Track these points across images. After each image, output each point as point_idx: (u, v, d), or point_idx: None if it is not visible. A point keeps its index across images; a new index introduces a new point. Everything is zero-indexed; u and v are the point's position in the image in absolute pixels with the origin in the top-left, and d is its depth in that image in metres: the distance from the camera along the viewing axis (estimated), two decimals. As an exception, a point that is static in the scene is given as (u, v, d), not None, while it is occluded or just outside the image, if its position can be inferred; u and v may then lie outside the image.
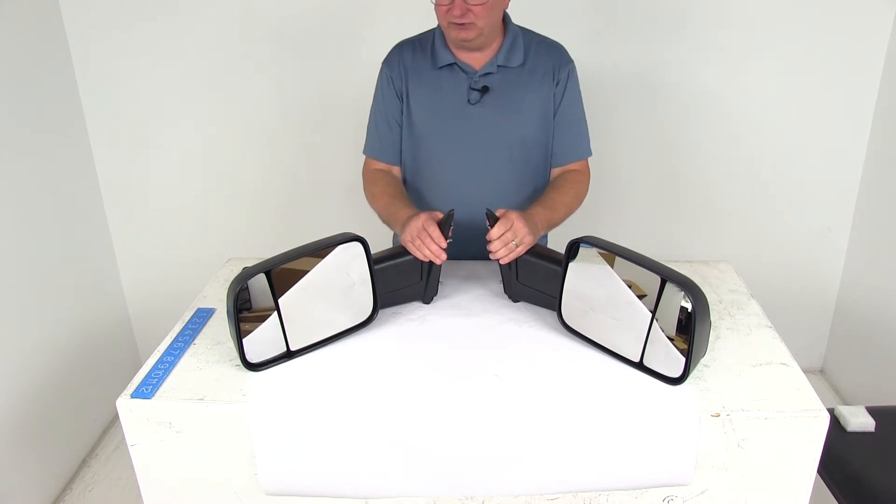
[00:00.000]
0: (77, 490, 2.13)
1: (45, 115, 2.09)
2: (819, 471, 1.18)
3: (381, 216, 1.54)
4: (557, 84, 1.53)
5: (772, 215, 2.38)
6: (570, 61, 1.55)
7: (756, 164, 2.31)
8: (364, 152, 1.63)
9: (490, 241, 1.32)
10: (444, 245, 1.31)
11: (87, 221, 2.33)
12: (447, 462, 1.13)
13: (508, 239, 1.30)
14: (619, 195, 2.38)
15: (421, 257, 1.32)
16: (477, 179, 1.56)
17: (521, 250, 1.32)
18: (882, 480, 1.45)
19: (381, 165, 1.62)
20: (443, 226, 1.35)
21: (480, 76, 1.51)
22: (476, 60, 1.51)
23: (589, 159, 1.61)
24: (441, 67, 1.52)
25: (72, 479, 2.17)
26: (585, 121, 1.60)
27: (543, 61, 1.53)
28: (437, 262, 1.32)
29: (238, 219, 2.44)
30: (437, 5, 1.42)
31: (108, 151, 2.32)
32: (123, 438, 1.18)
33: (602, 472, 1.13)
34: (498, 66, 1.51)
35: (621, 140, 2.30)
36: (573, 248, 1.23)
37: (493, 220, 1.36)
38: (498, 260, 1.33)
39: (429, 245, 1.30)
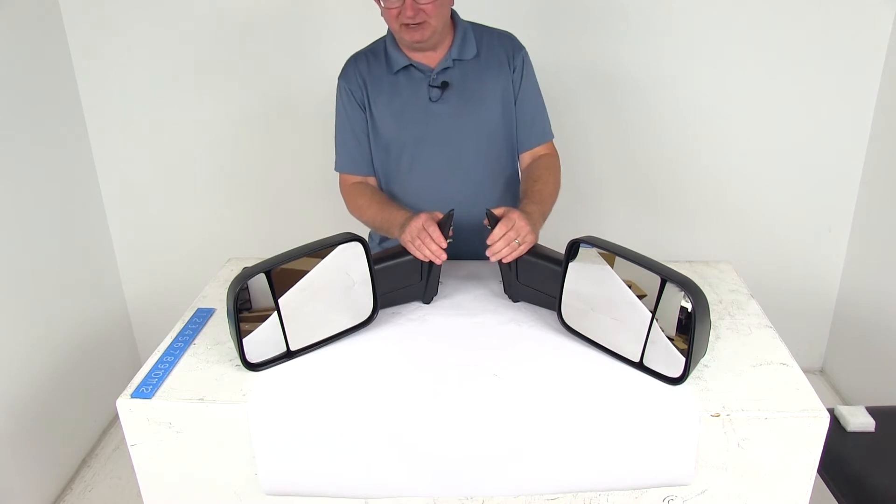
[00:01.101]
0: (77, 490, 2.13)
1: (45, 115, 2.09)
2: (819, 471, 1.18)
3: (373, 225, 1.55)
4: (514, 70, 1.55)
5: (772, 215, 2.38)
6: (521, 47, 1.58)
7: (756, 163, 2.31)
8: (336, 169, 1.63)
9: (492, 243, 1.32)
10: (445, 245, 1.31)
11: (87, 221, 2.33)
12: (447, 462, 1.13)
13: (512, 238, 1.30)
14: (619, 195, 2.38)
15: (421, 257, 1.32)
16: (450, 177, 1.57)
17: (523, 249, 1.32)
18: (882, 480, 1.44)
19: (357, 178, 1.62)
20: (442, 226, 1.35)
21: (438, 73, 1.52)
22: (431, 59, 1.53)
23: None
24: (397, 72, 1.53)
25: (72, 479, 2.17)
26: (544, 104, 1.62)
27: (497, 50, 1.55)
28: (438, 262, 1.32)
29: (238, 219, 2.43)
30: (386, 9, 1.42)
31: (108, 151, 2.32)
32: (123, 438, 1.18)
33: (602, 472, 1.13)
34: (453, 59, 1.52)
35: (621, 140, 2.30)
36: (573, 248, 1.23)
37: (493, 219, 1.36)
38: (499, 260, 1.33)
39: (429, 245, 1.31)
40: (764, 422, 1.09)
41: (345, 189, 1.63)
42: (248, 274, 1.17)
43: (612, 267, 1.22)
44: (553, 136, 1.64)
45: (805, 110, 2.24)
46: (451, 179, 1.57)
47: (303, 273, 1.23)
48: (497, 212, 1.36)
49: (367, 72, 1.55)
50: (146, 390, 1.15)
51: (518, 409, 1.11)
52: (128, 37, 2.19)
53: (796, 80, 2.20)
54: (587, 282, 1.24)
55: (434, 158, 1.56)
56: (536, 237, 1.35)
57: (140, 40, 2.19)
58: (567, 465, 1.12)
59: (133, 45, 2.20)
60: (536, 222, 1.38)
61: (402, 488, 1.15)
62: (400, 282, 1.35)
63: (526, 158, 1.62)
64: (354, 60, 1.59)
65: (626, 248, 1.19)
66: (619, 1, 2.13)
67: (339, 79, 1.59)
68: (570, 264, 1.24)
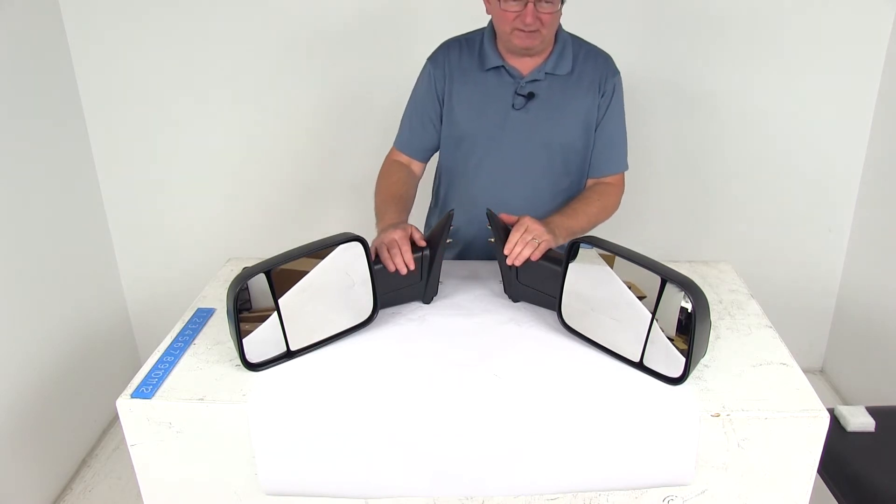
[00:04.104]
0: (77, 490, 2.13)
1: (45, 115, 2.09)
2: (819, 471, 1.18)
3: (374, 208, 1.55)
4: (603, 95, 1.53)
5: (772, 215, 2.38)
6: (616, 72, 1.54)
7: (756, 164, 2.31)
8: (394, 144, 1.65)
9: (509, 251, 1.31)
10: (413, 267, 1.31)
11: (87, 221, 2.33)
12: (447, 462, 1.13)
13: (528, 238, 1.30)
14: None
15: (388, 265, 1.32)
16: (514, 184, 1.56)
17: (543, 247, 1.31)
18: (882, 480, 1.44)
19: (403, 158, 1.63)
20: (442, 227, 1.35)
21: (527, 82, 1.50)
22: (524, 65, 1.51)
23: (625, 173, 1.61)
24: (488, 70, 1.52)
25: (72, 479, 2.17)
26: (626, 134, 1.59)
27: (591, 71, 1.52)
28: (403, 272, 1.32)
29: (238, 219, 2.44)
30: (502, 11, 1.40)
31: (108, 151, 2.32)
32: (123, 438, 1.18)
33: (602, 472, 1.13)
34: (546, 73, 1.50)
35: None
36: (573, 249, 1.23)
37: (493, 220, 1.36)
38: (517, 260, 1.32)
39: (395, 257, 1.31)
40: (764, 422, 1.09)
41: (387, 160, 1.64)
42: (248, 274, 1.17)
43: (612, 267, 1.22)
44: (626, 168, 1.61)
45: (805, 110, 2.24)
46: (512, 187, 1.56)
47: (303, 273, 1.23)
48: (510, 219, 1.36)
49: (458, 62, 1.54)
50: (146, 390, 1.15)
51: (518, 409, 1.11)
52: (128, 37, 2.19)
53: (796, 80, 2.20)
54: (587, 282, 1.24)
55: (502, 164, 1.55)
56: (553, 239, 1.34)
57: (140, 40, 2.19)
58: (567, 465, 1.12)
59: (133, 46, 2.20)
60: (555, 229, 1.38)
61: (402, 488, 1.15)
62: (400, 282, 1.35)
63: (590, 183, 1.61)
64: (447, 47, 1.57)
65: (626, 249, 1.19)
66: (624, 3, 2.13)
67: (427, 59, 1.57)
68: (571, 264, 1.24)
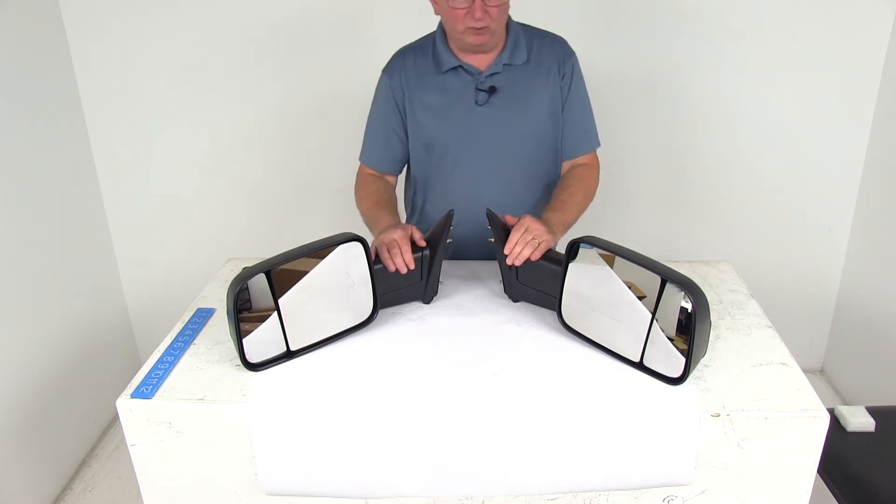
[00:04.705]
0: (77, 490, 2.13)
1: (45, 114, 2.10)
2: (819, 471, 1.18)
3: (364, 219, 1.55)
4: (563, 77, 1.53)
5: (772, 215, 2.38)
6: (572, 53, 1.55)
7: (756, 163, 2.31)
8: (359, 159, 1.64)
9: (509, 251, 1.31)
10: (413, 266, 1.32)
11: (87, 221, 2.33)
12: (447, 462, 1.13)
13: (528, 238, 1.30)
14: (619, 195, 2.37)
15: (388, 265, 1.32)
16: (491, 179, 1.56)
17: (543, 247, 1.32)
18: (882, 480, 1.44)
19: (374, 172, 1.63)
20: (442, 227, 1.35)
21: (487, 77, 1.51)
22: (480, 62, 1.51)
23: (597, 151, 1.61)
24: (445, 72, 1.52)
25: (72, 479, 2.17)
26: (592, 112, 1.60)
27: (547, 56, 1.53)
28: (403, 271, 1.32)
29: (238, 219, 2.44)
30: (451, 9, 1.40)
31: (108, 151, 2.32)
32: (123, 438, 1.18)
33: (602, 472, 1.13)
34: (504, 64, 1.50)
35: (621, 140, 2.30)
36: (573, 249, 1.23)
37: (493, 220, 1.36)
38: (516, 260, 1.32)
39: (395, 257, 1.31)
40: (764, 422, 1.09)
41: (359, 176, 1.64)
42: (248, 274, 1.17)
43: (612, 267, 1.22)
44: (598, 146, 1.62)
45: (805, 110, 2.24)
46: (491, 183, 1.56)
47: (303, 273, 1.23)
48: (510, 219, 1.36)
49: (413, 69, 1.54)
50: (146, 390, 1.15)
51: (518, 409, 1.11)
52: (128, 37, 2.19)
53: (796, 80, 2.20)
54: (587, 282, 1.24)
55: (476, 162, 1.55)
56: (553, 238, 1.35)
57: (140, 41, 2.19)
58: (567, 465, 1.12)
59: (133, 46, 2.20)
60: (554, 227, 1.38)
61: (402, 488, 1.15)
62: (400, 282, 1.35)
63: (566, 167, 1.61)
64: (401, 56, 1.57)
65: (626, 249, 1.19)
66: (622, 1, 2.13)
67: (382, 71, 1.57)
68: (571, 264, 1.24)
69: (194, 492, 1.19)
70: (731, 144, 2.29)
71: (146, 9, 2.15)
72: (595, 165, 1.62)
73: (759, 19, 2.13)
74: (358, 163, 1.65)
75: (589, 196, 1.56)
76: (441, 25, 1.53)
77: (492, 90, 1.50)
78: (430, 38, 1.57)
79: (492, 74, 1.51)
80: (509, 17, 1.52)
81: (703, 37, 2.16)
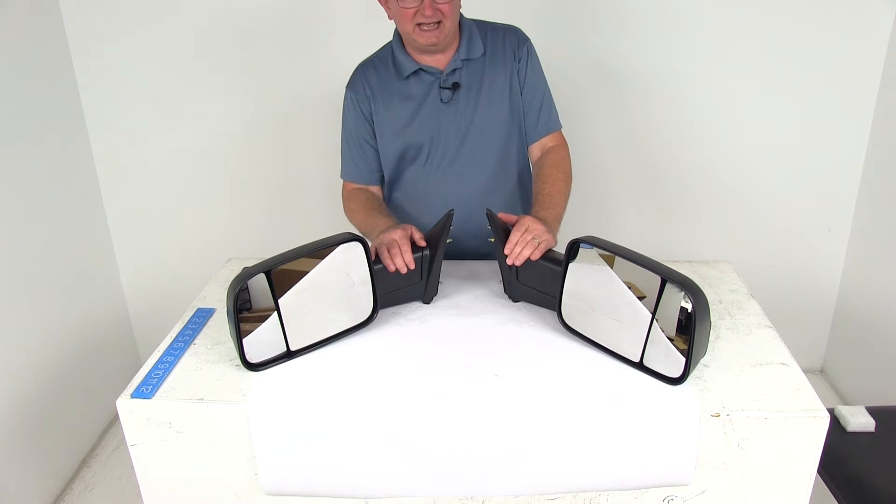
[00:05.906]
0: (77, 490, 2.13)
1: (45, 115, 2.10)
2: (819, 471, 1.18)
3: (361, 229, 1.56)
4: (519, 61, 1.56)
5: (772, 215, 2.38)
6: (526, 39, 1.58)
7: (756, 163, 2.31)
8: (341, 177, 1.67)
9: (509, 251, 1.32)
10: (413, 266, 1.32)
11: (87, 221, 2.33)
12: (447, 462, 1.13)
13: (528, 238, 1.31)
14: (619, 195, 2.38)
15: (388, 265, 1.32)
16: (465, 175, 1.58)
17: (543, 246, 1.32)
18: (882, 480, 1.44)
19: (358, 186, 1.65)
20: (442, 227, 1.35)
21: (448, 74, 1.53)
22: (440, 62, 1.54)
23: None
24: (407, 77, 1.54)
25: (72, 479, 2.17)
26: (550, 94, 1.62)
27: (502, 45, 1.56)
28: (403, 271, 1.32)
29: (238, 219, 2.43)
30: (402, 9, 1.42)
31: (108, 151, 2.33)
32: (123, 438, 1.18)
33: (602, 472, 1.13)
34: (462, 59, 1.53)
35: (621, 139, 2.30)
36: (573, 249, 1.23)
37: (492, 220, 1.36)
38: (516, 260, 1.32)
39: (395, 257, 1.32)
40: (764, 422, 1.09)
41: (344, 194, 1.67)
42: (248, 274, 1.17)
43: (612, 267, 1.22)
44: (561, 126, 1.63)
45: (805, 110, 2.24)
46: (465, 177, 1.58)
47: (303, 273, 1.23)
48: (510, 219, 1.37)
49: (376, 81, 1.56)
50: (146, 390, 1.15)
51: (518, 409, 1.11)
52: (128, 37, 2.19)
53: (796, 80, 2.20)
54: (587, 282, 1.24)
55: (448, 159, 1.57)
56: (554, 238, 1.35)
57: (140, 41, 2.19)
58: (567, 465, 1.12)
59: (133, 46, 2.20)
60: (552, 225, 1.39)
61: (402, 488, 1.15)
62: (400, 282, 1.35)
63: (535, 151, 1.62)
64: (363, 70, 1.59)
65: (626, 249, 1.19)
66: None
67: (346, 88, 1.60)
68: (571, 264, 1.24)
69: (194, 492, 1.19)
70: (731, 144, 2.29)
71: (147, 10, 2.15)
72: (564, 145, 1.63)
73: (760, 18, 2.13)
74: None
75: (569, 178, 1.57)
76: (397, 32, 1.55)
77: (455, 87, 1.53)
78: (387, 47, 1.59)
79: (453, 71, 1.53)
80: (462, 15, 1.54)
81: (703, 36, 2.16)
